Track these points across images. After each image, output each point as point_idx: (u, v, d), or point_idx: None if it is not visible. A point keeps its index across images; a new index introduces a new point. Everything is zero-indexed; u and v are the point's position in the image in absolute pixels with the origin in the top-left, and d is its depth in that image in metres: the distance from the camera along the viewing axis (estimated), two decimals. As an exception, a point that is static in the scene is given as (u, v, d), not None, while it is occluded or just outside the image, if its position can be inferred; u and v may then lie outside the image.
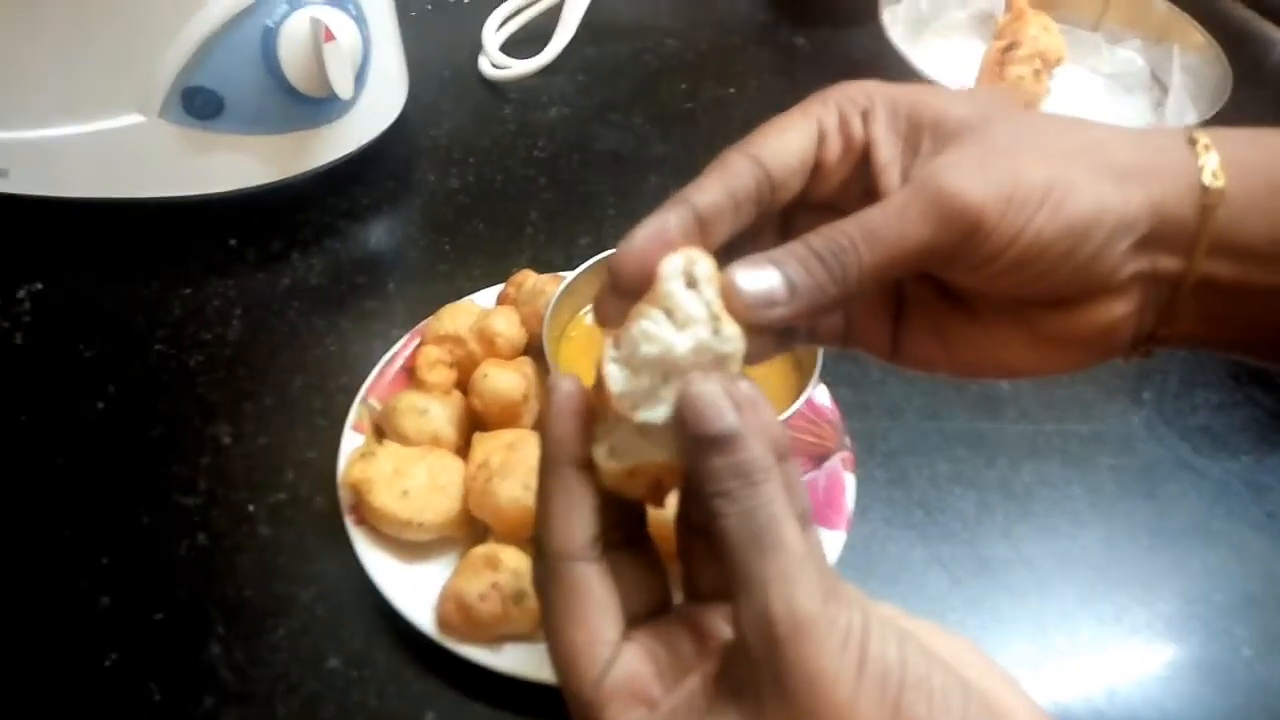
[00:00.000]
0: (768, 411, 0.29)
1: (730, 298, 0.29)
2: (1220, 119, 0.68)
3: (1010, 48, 0.75)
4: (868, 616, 0.26)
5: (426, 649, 0.46)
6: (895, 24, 0.75)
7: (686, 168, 0.71)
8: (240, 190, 0.63)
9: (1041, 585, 0.52)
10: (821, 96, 0.34)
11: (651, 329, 0.29)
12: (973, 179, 0.30)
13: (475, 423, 0.52)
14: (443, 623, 0.45)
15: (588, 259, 0.55)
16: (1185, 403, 0.61)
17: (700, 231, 0.31)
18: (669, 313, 0.29)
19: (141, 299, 0.62)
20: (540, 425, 0.31)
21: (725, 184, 0.32)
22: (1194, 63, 0.74)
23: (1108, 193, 0.31)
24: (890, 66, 0.73)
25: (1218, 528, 0.55)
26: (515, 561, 0.46)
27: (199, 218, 0.64)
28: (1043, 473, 0.56)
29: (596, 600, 0.30)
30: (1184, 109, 0.72)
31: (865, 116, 0.33)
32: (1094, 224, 0.30)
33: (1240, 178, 0.31)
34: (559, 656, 0.30)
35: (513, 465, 0.48)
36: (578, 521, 0.30)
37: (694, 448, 0.27)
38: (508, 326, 0.54)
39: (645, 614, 0.31)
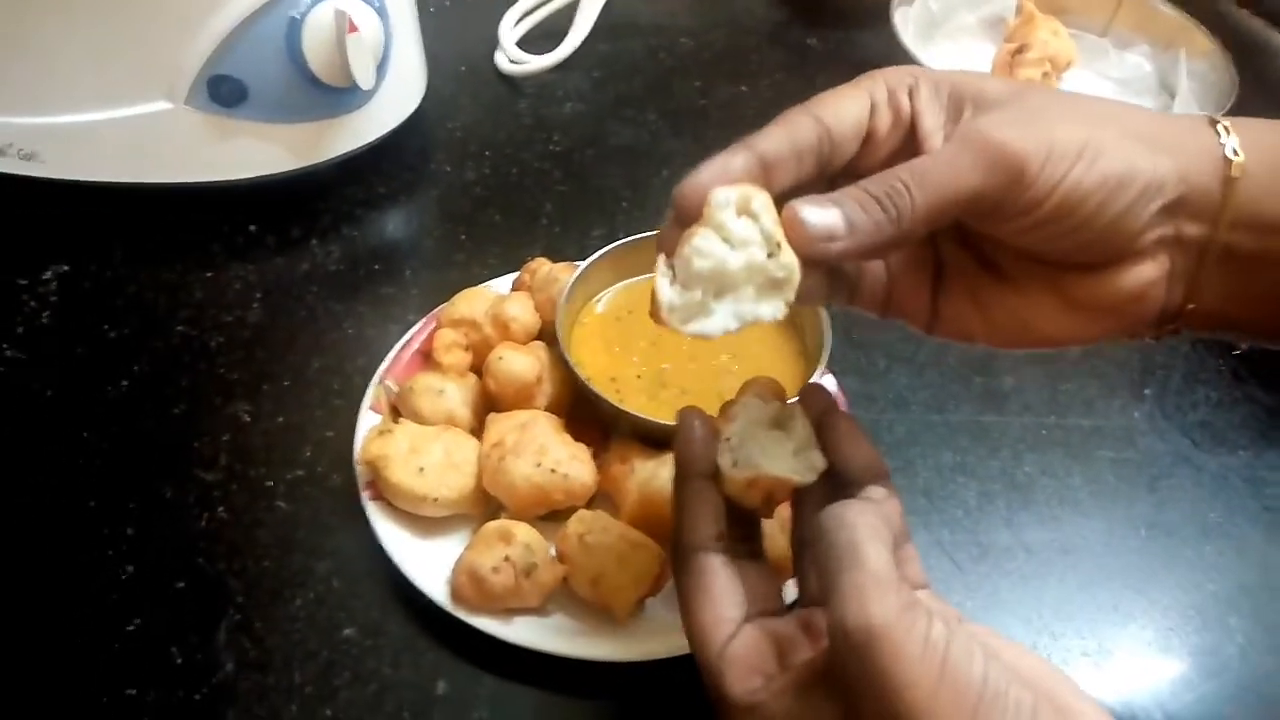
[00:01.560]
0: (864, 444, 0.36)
1: (793, 228, 0.32)
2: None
3: (1020, 51, 0.76)
4: (952, 630, 0.29)
5: (438, 620, 0.47)
6: (906, 26, 0.76)
7: (698, 161, 0.73)
8: (262, 177, 0.65)
9: (1041, 572, 0.53)
10: (870, 75, 0.37)
11: (704, 245, 0.31)
12: (1016, 130, 0.32)
13: (489, 404, 0.53)
14: (456, 594, 0.47)
15: (600, 248, 0.57)
16: (1186, 399, 0.62)
17: (763, 175, 0.34)
18: (720, 233, 0.31)
19: (165, 282, 0.63)
20: (674, 448, 0.39)
21: (789, 134, 0.35)
22: (1201, 68, 0.76)
23: (1139, 155, 0.33)
24: (901, 67, 0.74)
25: (1215, 520, 0.56)
26: (527, 536, 0.47)
27: (221, 203, 0.66)
28: (1044, 464, 0.57)
29: (720, 583, 0.36)
30: (1190, 113, 0.73)
31: (911, 92, 0.36)
32: (1126, 180, 0.33)
33: (1260, 158, 0.34)
34: (690, 631, 0.36)
35: (525, 444, 0.49)
36: (704, 518, 0.37)
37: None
38: (522, 311, 0.55)
39: (762, 613, 0.37)
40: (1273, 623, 0.52)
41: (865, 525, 0.31)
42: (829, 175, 0.36)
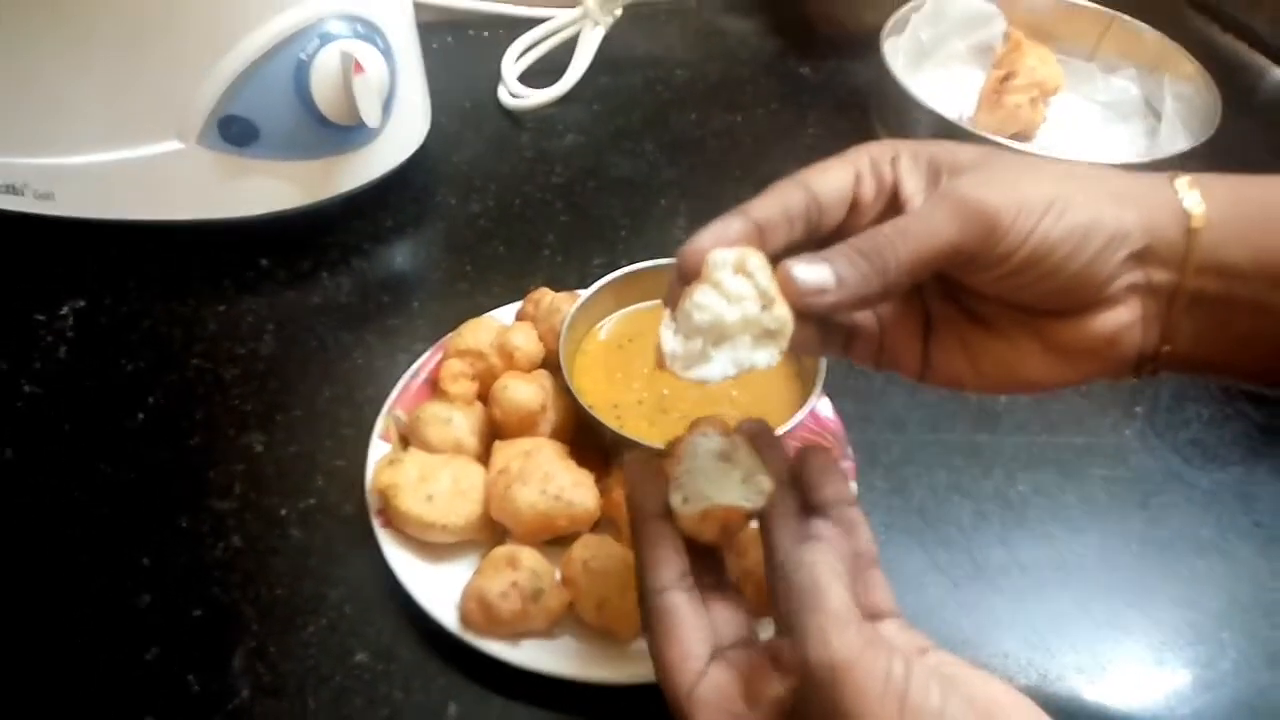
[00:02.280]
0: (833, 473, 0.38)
1: (786, 284, 0.34)
2: (1211, 146, 0.71)
3: (1008, 77, 0.77)
4: (910, 666, 0.31)
5: (449, 645, 0.48)
6: (897, 55, 0.78)
7: (696, 192, 0.76)
8: (272, 213, 0.66)
9: (1037, 590, 0.54)
10: (856, 149, 0.39)
11: (703, 300, 0.34)
12: (988, 190, 0.35)
13: (495, 431, 0.55)
14: (465, 619, 0.48)
15: (601, 278, 0.58)
16: (1176, 416, 0.63)
17: (758, 238, 0.36)
18: (718, 289, 0.34)
19: (179, 316, 0.65)
20: (624, 493, 0.40)
21: (781, 202, 0.37)
22: (1186, 91, 0.77)
23: (1104, 208, 0.35)
24: (892, 96, 0.76)
25: (1207, 536, 0.57)
26: (533, 562, 0.48)
27: (233, 239, 0.67)
28: (1038, 482, 0.59)
29: (687, 623, 0.37)
30: (1176, 136, 0.75)
31: (894, 161, 0.38)
32: (1092, 230, 0.35)
33: (1219, 209, 0.36)
34: (659, 672, 0.37)
35: (530, 471, 0.51)
36: (665, 559, 0.38)
37: (761, 521, 0.36)
38: (526, 341, 0.57)
39: (734, 644, 0.38)
40: (1266, 638, 0.53)
41: (823, 565, 0.33)
42: (818, 239, 0.38)
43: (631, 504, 0.39)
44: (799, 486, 0.40)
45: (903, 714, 0.29)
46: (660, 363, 0.35)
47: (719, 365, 0.35)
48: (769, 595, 0.39)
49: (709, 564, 0.40)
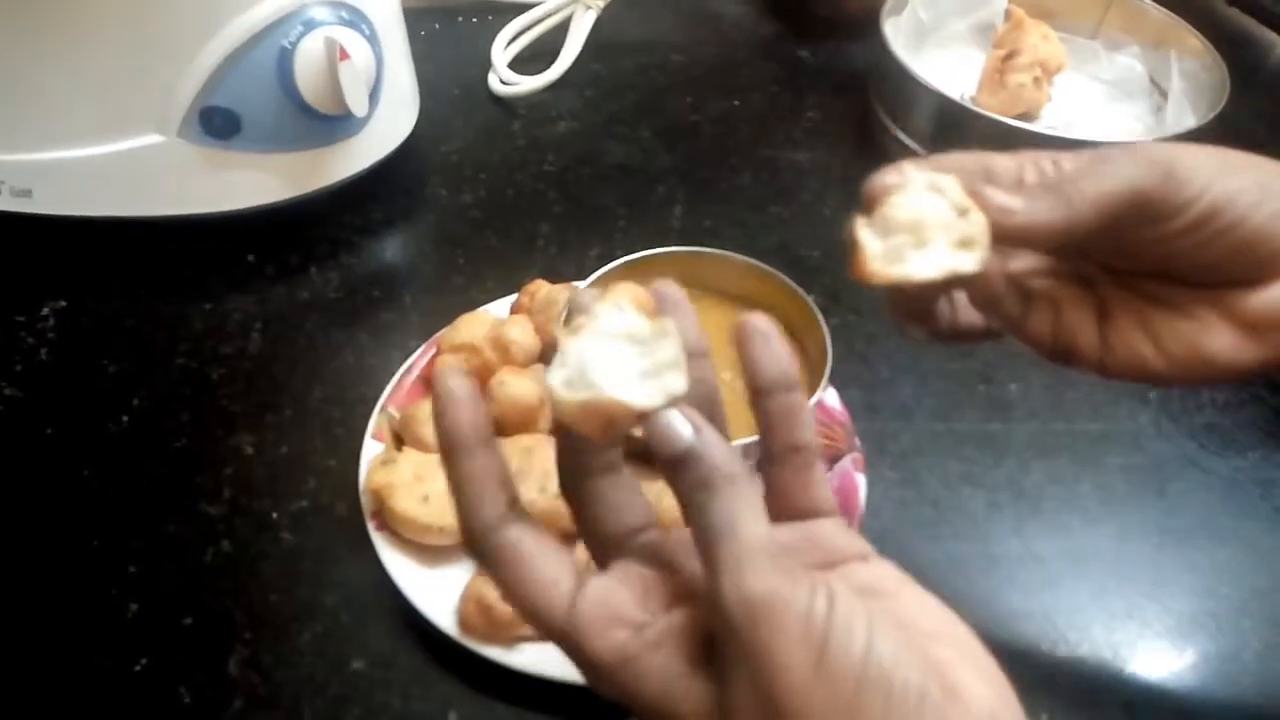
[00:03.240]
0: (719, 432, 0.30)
1: (976, 198, 0.33)
2: (1219, 122, 0.69)
3: (1010, 56, 0.76)
4: (834, 602, 0.26)
5: (448, 650, 0.47)
6: (897, 36, 0.76)
7: (693, 179, 0.74)
8: (258, 207, 0.64)
9: (1053, 582, 0.53)
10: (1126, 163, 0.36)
11: (903, 200, 0.34)
12: (1165, 148, 0.35)
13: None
14: (464, 624, 0.46)
15: (598, 269, 0.56)
16: (1191, 401, 0.61)
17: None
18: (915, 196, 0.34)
19: (163, 314, 0.63)
20: (434, 419, 0.31)
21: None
22: (1192, 68, 0.75)
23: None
24: (892, 77, 0.75)
25: (1227, 524, 0.56)
26: (535, 563, 0.47)
27: (218, 234, 0.66)
28: (1052, 471, 0.57)
29: (531, 553, 0.31)
30: (1183, 113, 0.73)
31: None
32: (1272, 185, 0.35)
33: None
34: (525, 613, 0.31)
35: (529, 469, 0.49)
36: (488, 495, 0.31)
37: (668, 468, 0.29)
38: (522, 335, 0.55)
39: (631, 531, 0.32)
40: (1289, 626, 0.52)
41: (739, 497, 0.28)
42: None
43: (443, 430, 0.31)
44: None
45: (821, 660, 0.26)
46: (859, 266, 0.34)
47: (920, 264, 0.34)
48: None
49: (598, 451, 0.33)
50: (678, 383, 0.30)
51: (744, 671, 0.27)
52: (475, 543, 0.31)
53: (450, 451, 0.31)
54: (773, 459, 0.34)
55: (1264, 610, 0.52)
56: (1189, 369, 0.37)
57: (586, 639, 0.29)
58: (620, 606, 0.30)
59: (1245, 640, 0.51)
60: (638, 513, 0.33)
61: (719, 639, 0.28)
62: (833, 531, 0.33)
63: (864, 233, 0.34)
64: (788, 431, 0.33)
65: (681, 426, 0.29)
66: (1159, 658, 0.50)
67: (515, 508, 0.31)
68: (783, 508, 0.33)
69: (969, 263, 0.33)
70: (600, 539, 0.33)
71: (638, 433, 0.30)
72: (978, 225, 0.33)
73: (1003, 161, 0.36)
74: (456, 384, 0.31)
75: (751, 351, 0.33)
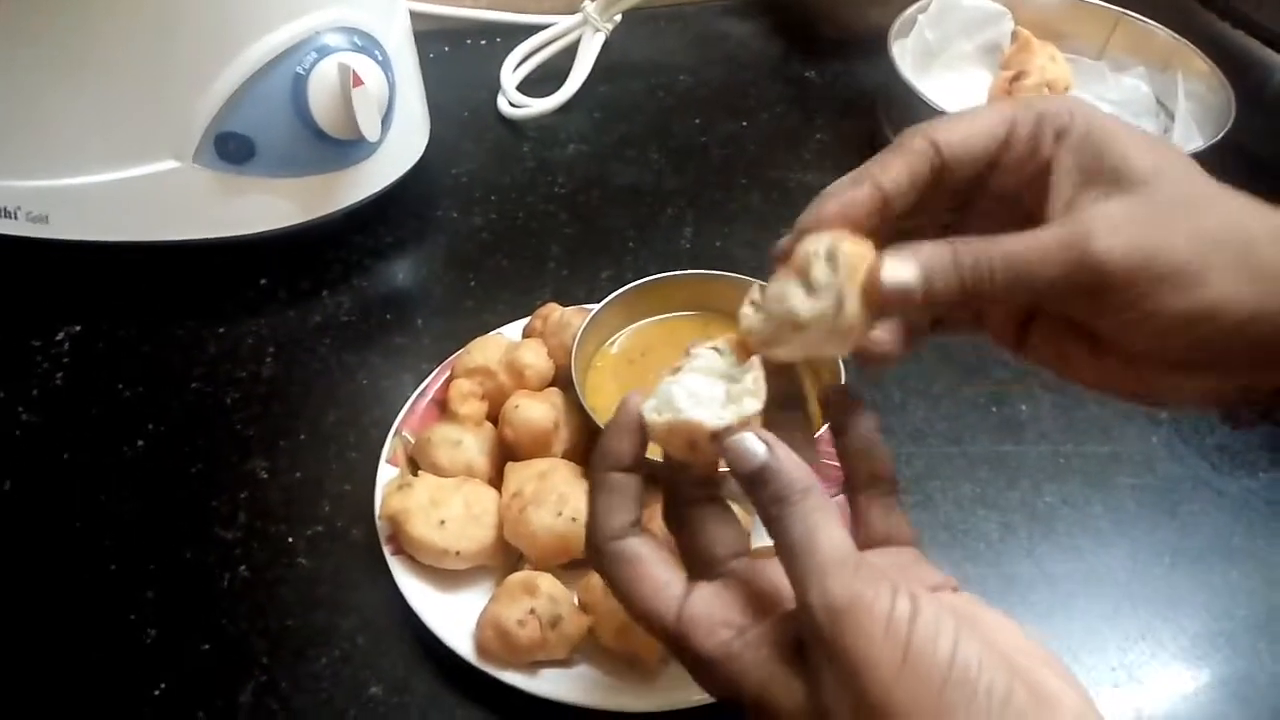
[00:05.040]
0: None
1: (872, 286, 0.33)
2: (1225, 144, 0.70)
3: (1018, 77, 0.76)
4: (918, 604, 0.28)
5: (466, 675, 0.47)
6: (904, 56, 0.76)
7: (702, 200, 0.74)
8: (271, 231, 0.65)
9: (1066, 604, 0.53)
10: (1027, 102, 0.36)
11: (783, 291, 0.35)
12: (1118, 239, 0.32)
13: (507, 453, 0.53)
14: (481, 649, 0.46)
15: (609, 291, 0.57)
16: (1203, 422, 0.62)
17: (882, 204, 0.35)
18: (804, 280, 0.34)
19: (177, 339, 0.63)
20: (602, 437, 0.36)
21: (907, 164, 0.35)
22: (1198, 89, 0.76)
23: (1242, 289, 0.32)
24: (899, 98, 0.75)
25: (1239, 545, 0.56)
26: (550, 587, 0.47)
27: (231, 259, 0.66)
28: (1064, 493, 0.57)
29: (649, 559, 0.34)
30: (1190, 134, 0.74)
31: (1059, 135, 0.35)
32: (1219, 312, 0.32)
33: None
34: (638, 615, 0.34)
35: (545, 494, 0.49)
36: (620, 509, 0.35)
37: (745, 485, 0.32)
38: (536, 358, 0.56)
39: (725, 558, 0.35)
40: (1303, 647, 0.52)
41: (815, 510, 0.31)
42: (949, 188, 0.37)
43: (597, 450, 0.36)
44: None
45: (905, 662, 0.27)
46: (741, 337, 0.37)
47: (790, 349, 0.35)
48: None
49: (697, 480, 0.37)
50: (751, 406, 0.34)
51: (832, 672, 0.29)
52: (601, 545, 0.35)
53: (602, 461, 0.36)
54: (855, 488, 0.38)
55: (1278, 630, 0.52)
56: (1094, 385, 0.38)
57: (694, 637, 0.32)
58: (724, 611, 0.33)
59: (1260, 661, 0.51)
60: (730, 543, 0.35)
61: (807, 643, 0.30)
62: (917, 559, 0.36)
63: (746, 310, 0.36)
64: (868, 463, 0.35)
65: (755, 445, 0.32)
66: (1173, 679, 0.50)
67: (638, 526, 0.36)
68: (866, 535, 0.37)
69: (835, 352, 0.36)
70: (698, 561, 0.35)
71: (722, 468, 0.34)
72: (848, 325, 0.34)
73: (941, 166, 0.35)
74: (634, 404, 0.36)
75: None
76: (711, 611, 0.33)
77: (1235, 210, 0.34)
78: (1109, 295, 0.32)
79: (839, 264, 0.34)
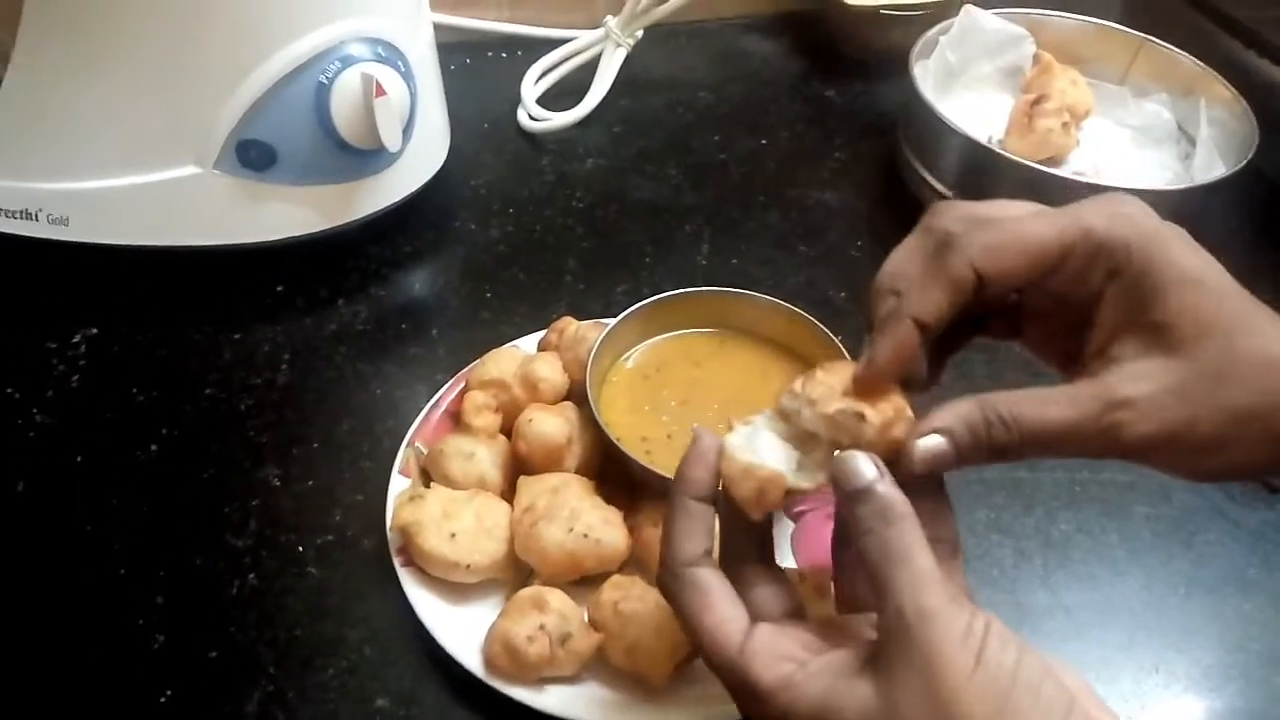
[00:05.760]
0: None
1: (907, 459, 0.36)
2: (1247, 171, 0.69)
3: (1039, 101, 0.76)
4: (991, 626, 0.32)
5: (473, 689, 0.46)
6: (925, 78, 0.76)
7: (720, 217, 0.74)
8: (289, 239, 0.65)
9: (1080, 633, 0.52)
10: (1088, 228, 0.36)
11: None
12: (1145, 421, 0.35)
13: (519, 466, 0.53)
14: (490, 664, 0.46)
15: (625, 306, 0.57)
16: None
17: (924, 334, 0.37)
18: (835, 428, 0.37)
19: (193, 344, 0.63)
20: (680, 465, 0.39)
21: (948, 296, 0.36)
22: (1221, 116, 0.75)
23: (1261, 452, 0.35)
24: (920, 119, 0.75)
25: (1254, 577, 0.55)
26: (560, 604, 0.47)
27: (248, 265, 0.66)
28: (1080, 521, 0.57)
29: (719, 591, 0.37)
30: (1212, 162, 0.73)
31: (1112, 273, 0.36)
32: (1241, 468, 0.36)
33: None
34: (702, 643, 0.36)
35: (556, 509, 0.49)
36: (695, 536, 0.37)
37: (847, 499, 0.35)
38: (551, 372, 0.55)
39: (780, 616, 0.37)
40: (1319, 682, 0.51)
41: (913, 531, 0.34)
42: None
43: (681, 476, 0.38)
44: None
45: (978, 667, 0.30)
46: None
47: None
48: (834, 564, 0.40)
49: (752, 538, 0.39)
50: (819, 477, 0.37)
51: (911, 671, 0.31)
52: (672, 571, 0.37)
53: (681, 490, 0.38)
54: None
55: (1294, 666, 0.52)
56: None
57: (754, 668, 0.34)
58: (787, 647, 0.35)
59: (1274, 693, 0.50)
60: (783, 603, 0.38)
61: (885, 648, 0.33)
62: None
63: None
64: (933, 526, 0.36)
65: (866, 466, 0.35)
66: (1186, 710, 0.50)
67: (709, 555, 0.38)
68: None
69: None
70: (754, 613, 0.37)
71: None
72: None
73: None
74: (710, 442, 0.38)
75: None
76: (775, 646, 0.35)
77: (1273, 373, 0.35)
78: (1132, 459, 0.36)
79: (868, 420, 0.36)
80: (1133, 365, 0.35)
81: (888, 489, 0.34)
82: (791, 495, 0.37)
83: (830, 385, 0.37)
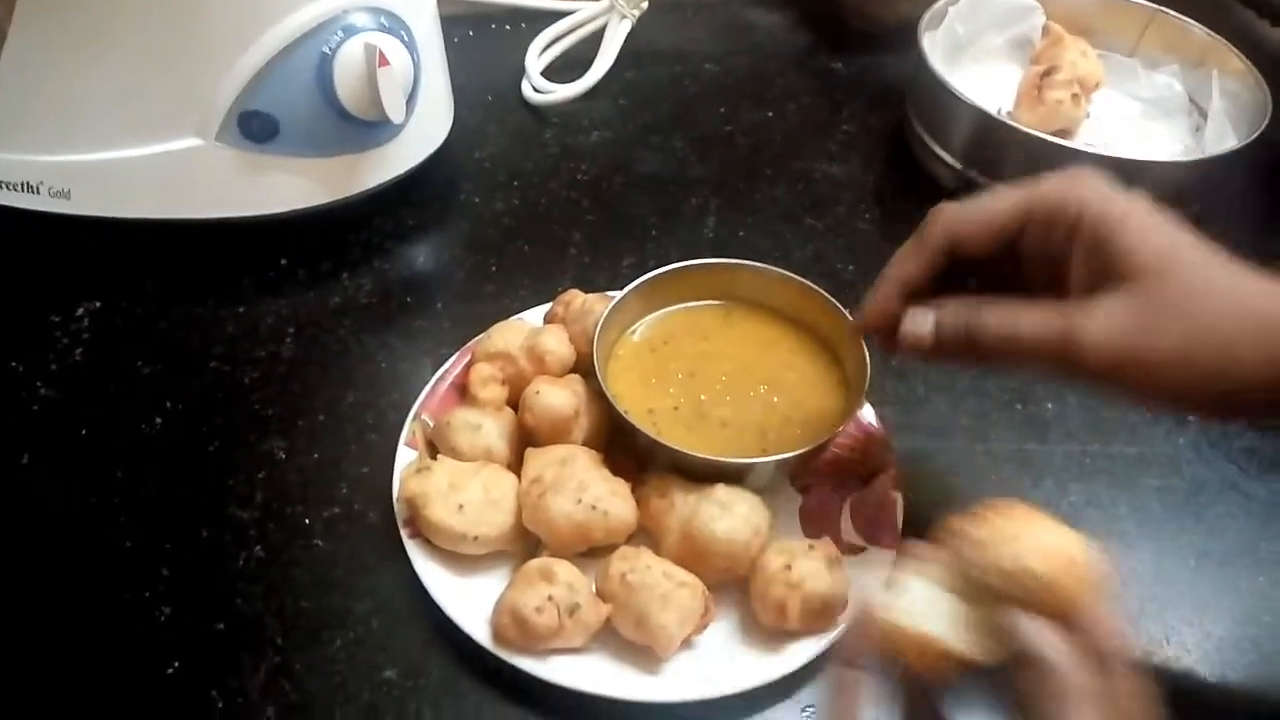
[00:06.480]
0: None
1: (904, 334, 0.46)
2: (1260, 143, 0.68)
3: (1049, 72, 0.75)
4: None
5: (481, 661, 0.46)
6: (934, 49, 0.75)
7: (726, 190, 0.74)
8: (292, 211, 0.64)
9: (1090, 605, 0.52)
10: (1043, 194, 0.43)
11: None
12: (1107, 334, 0.39)
13: (526, 439, 0.53)
14: (498, 635, 0.46)
15: (631, 279, 0.56)
16: (1230, 424, 0.60)
17: (906, 292, 0.46)
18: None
19: (197, 317, 0.63)
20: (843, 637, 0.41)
21: (925, 259, 0.45)
22: (1233, 88, 0.75)
23: (1215, 379, 0.38)
24: (928, 91, 0.74)
25: (1266, 549, 0.55)
26: (569, 575, 0.46)
27: (252, 238, 0.66)
28: (1090, 494, 0.56)
29: None
30: (1224, 133, 0.73)
31: (1070, 233, 0.41)
32: (1192, 400, 0.40)
33: None
34: None
35: (564, 481, 0.49)
36: (851, 710, 0.36)
37: (1017, 662, 0.34)
38: (558, 345, 0.55)
39: None
40: (1331, 655, 0.51)
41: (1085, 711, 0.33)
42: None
43: (840, 647, 0.39)
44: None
45: None
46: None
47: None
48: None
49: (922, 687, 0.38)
50: (1000, 651, 0.35)
51: None
52: None
53: (842, 656, 0.38)
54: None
55: (1305, 638, 0.51)
56: None
57: None
58: None
59: (1286, 669, 0.50)
60: None
61: None
62: None
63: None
64: (1094, 637, 0.35)
65: (1044, 639, 0.34)
66: (1198, 683, 0.50)
67: None
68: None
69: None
70: None
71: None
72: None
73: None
74: (868, 620, 0.37)
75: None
76: None
77: (1233, 302, 0.39)
78: (1093, 380, 0.40)
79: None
80: (1097, 295, 0.40)
81: (1071, 667, 0.34)
82: (960, 659, 0.36)
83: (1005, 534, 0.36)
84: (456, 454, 0.52)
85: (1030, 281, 0.44)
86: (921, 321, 0.44)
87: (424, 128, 0.69)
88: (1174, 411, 0.41)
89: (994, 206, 0.43)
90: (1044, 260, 0.43)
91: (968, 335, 0.43)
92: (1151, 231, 0.40)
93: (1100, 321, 0.39)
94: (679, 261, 0.57)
